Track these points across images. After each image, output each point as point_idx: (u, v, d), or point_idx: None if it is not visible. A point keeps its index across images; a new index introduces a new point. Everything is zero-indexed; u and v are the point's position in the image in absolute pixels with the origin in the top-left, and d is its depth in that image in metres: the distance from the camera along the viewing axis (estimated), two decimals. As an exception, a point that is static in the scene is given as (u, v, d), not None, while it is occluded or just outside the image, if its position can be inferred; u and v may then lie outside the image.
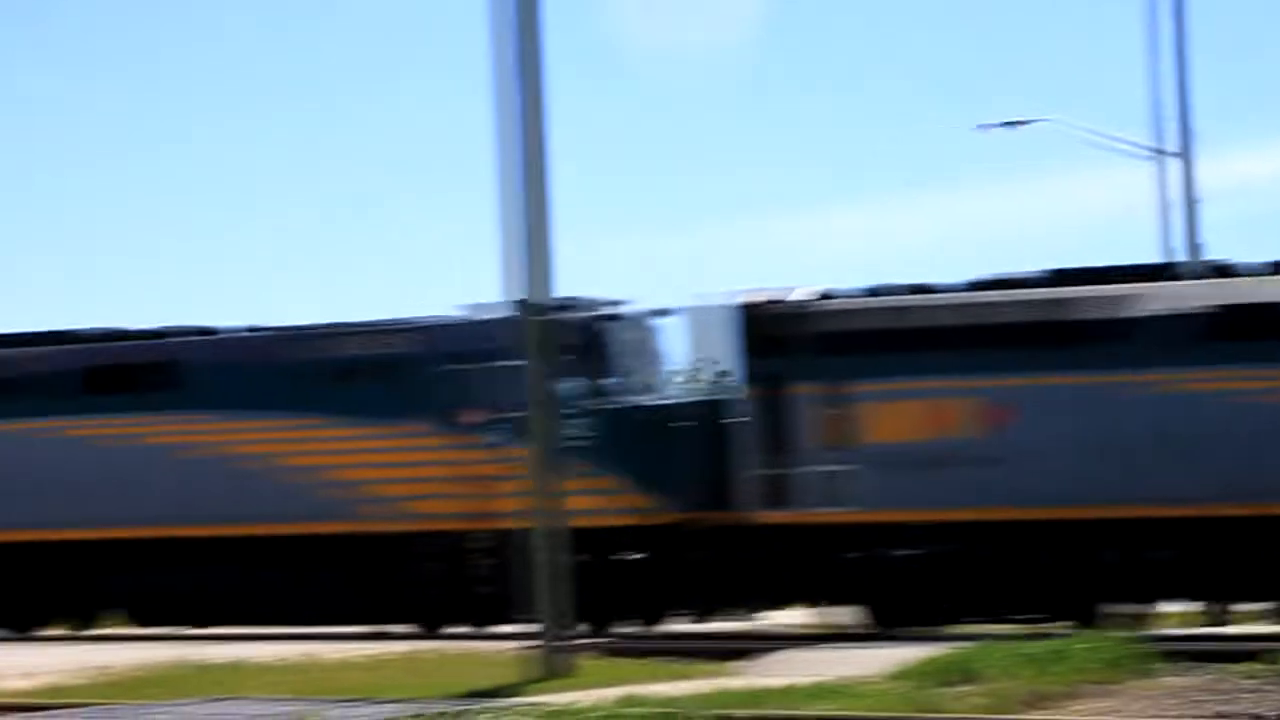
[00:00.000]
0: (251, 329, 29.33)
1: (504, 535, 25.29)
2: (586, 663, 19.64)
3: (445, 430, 26.92)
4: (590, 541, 25.03)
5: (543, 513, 19.61)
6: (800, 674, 17.84)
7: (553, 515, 19.57)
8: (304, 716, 13.21)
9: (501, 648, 21.92)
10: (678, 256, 70.19)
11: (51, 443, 29.00)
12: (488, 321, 26.90)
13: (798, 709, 14.29)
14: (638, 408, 26.57)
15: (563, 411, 24.92)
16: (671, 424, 26.28)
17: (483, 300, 27.42)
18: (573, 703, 14.65)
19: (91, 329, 30.05)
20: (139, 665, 20.22)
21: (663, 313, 27.44)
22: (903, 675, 17.27)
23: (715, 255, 70.78)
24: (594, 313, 26.80)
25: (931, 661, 18.12)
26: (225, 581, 27.96)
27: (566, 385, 25.57)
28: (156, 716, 14.63)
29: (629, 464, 25.83)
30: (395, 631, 26.59)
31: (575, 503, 23.71)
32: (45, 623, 29.40)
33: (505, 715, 13.53)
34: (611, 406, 26.38)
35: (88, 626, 29.33)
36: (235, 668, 20.10)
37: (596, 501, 25.09)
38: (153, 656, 21.30)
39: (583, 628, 24.05)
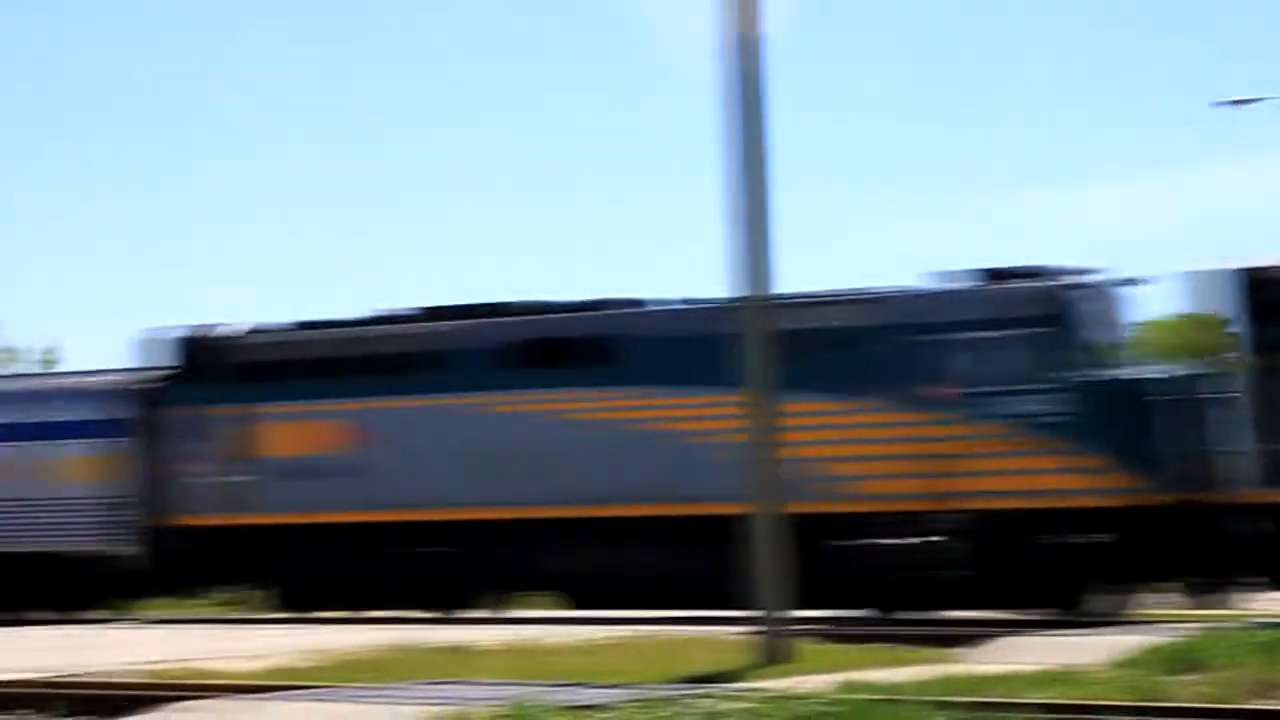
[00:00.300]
0: (686, 301, 28.74)
1: (967, 516, 25.08)
2: (807, 648, 19.56)
3: (904, 405, 26.18)
4: (1058, 522, 24.69)
5: (763, 498, 19.42)
6: (1023, 661, 17.64)
7: (773, 500, 19.35)
8: (524, 700, 13.28)
9: (721, 632, 21.93)
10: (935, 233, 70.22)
11: (479, 418, 28.96)
12: (950, 291, 26.39)
13: (1020, 696, 14.11)
14: (1118, 381, 25.63)
15: (1035, 386, 24.41)
16: (1148, 398, 25.36)
17: (944, 270, 26.90)
18: (791, 688, 14.59)
19: (522, 302, 29.89)
20: (362, 649, 20.50)
21: (1129, 281, 26.63)
22: (1128, 663, 17.01)
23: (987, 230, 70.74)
24: (1063, 281, 26.05)
25: (1156, 650, 17.82)
26: (653, 561, 27.60)
27: (1037, 357, 25.11)
28: (377, 698, 14.81)
29: (1112, 441, 24.97)
30: (611, 617, 26.72)
31: (1051, 482, 23.27)
32: (466, 604, 29.60)
33: (725, 700, 13.49)
34: (1090, 380, 25.41)
35: (506, 606, 29.49)
36: (456, 651, 20.29)
37: (1077, 481, 24.71)
38: (375, 640, 21.59)
39: (1054, 612, 23.76)
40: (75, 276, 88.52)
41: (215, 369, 31.64)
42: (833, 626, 23.46)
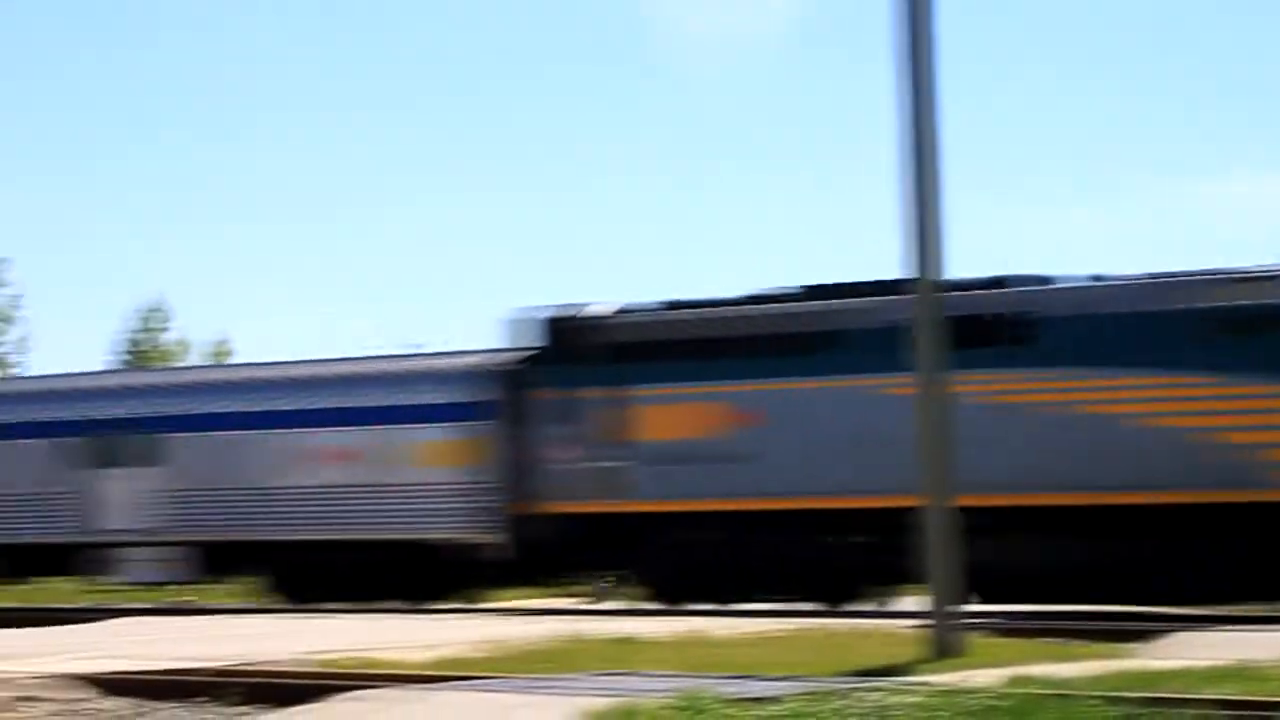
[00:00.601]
0: (1096, 278, 27.73)
1: None
2: (978, 642, 19.35)
3: None
4: None
5: (933, 489, 19.18)
6: (1198, 656, 17.33)
7: (943, 490, 19.10)
8: (692, 691, 13.26)
9: (892, 626, 21.79)
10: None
11: (878, 400, 27.71)
12: None
13: (1195, 692, 13.84)
14: None
15: None
16: None
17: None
18: (961, 682, 14.44)
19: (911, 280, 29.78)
20: (531, 640, 20.59)
21: None
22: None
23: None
24: None
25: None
26: (1072, 554, 26.58)
27: None
28: (544, 689, 14.85)
29: None
30: (781, 609, 26.59)
31: None
32: (859, 595, 28.94)
33: (894, 694, 13.39)
34: None
35: (891, 599, 28.80)
36: (624, 643, 20.31)
37: None
38: (543, 631, 21.68)
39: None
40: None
41: (583, 350, 30.88)
42: (1005, 620, 23.20)
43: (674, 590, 30.25)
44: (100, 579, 36.65)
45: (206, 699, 15.83)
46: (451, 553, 32.23)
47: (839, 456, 28.29)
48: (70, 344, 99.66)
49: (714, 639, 20.85)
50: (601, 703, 13.26)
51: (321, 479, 33.36)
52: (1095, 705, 12.73)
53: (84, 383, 38.55)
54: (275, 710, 14.83)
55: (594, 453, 30.53)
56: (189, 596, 37.13)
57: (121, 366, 43.23)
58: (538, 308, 31.73)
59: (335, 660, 18.64)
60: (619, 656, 18.52)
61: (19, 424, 36.91)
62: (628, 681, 15.14)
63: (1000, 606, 25.34)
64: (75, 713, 15.25)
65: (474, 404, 32.14)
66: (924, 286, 19.23)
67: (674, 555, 30.03)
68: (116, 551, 35.65)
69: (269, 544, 33.87)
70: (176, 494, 34.70)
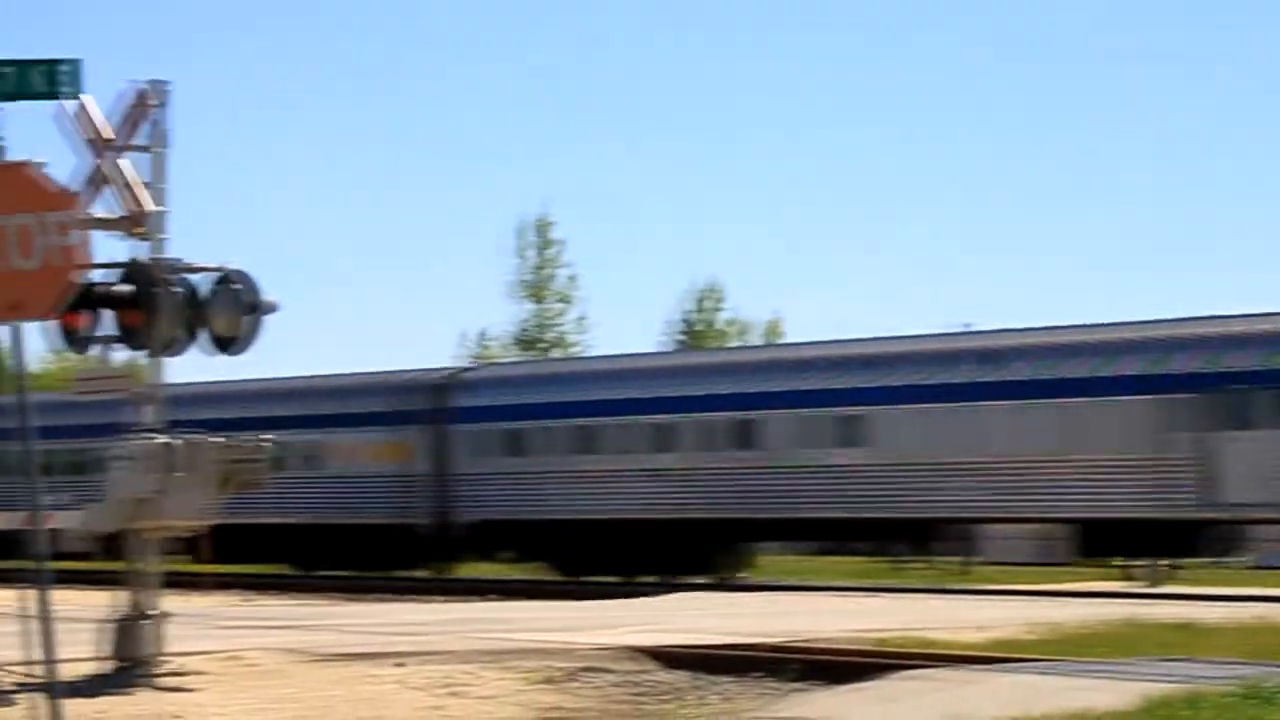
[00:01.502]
0: None
1: None
2: None
3: None
4: None
5: None
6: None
7: None
8: (1258, 680, 12.71)
9: None
10: None
11: None
12: None
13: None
14: None
15: None
16: None
17: None
18: None
19: None
20: (1088, 622, 20.17)
21: None
22: None
23: None
24: None
25: None
26: None
27: None
28: (1102, 673, 14.48)
29: None
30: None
31: None
32: None
33: None
34: None
35: None
36: (1184, 628, 19.72)
37: None
38: (1102, 614, 21.21)
39: None
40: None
41: None
42: None
43: None
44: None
45: (761, 674, 15.98)
46: None
47: None
48: (625, 324, 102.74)
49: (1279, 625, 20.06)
50: (1163, 689, 12.84)
51: None
52: None
53: None
54: (829, 687, 14.85)
55: None
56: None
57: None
58: None
59: (888, 639, 18.60)
60: (1178, 642, 17.97)
61: None
62: (1189, 668, 14.65)
63: None
64: (634, 684, 15.58)
65: None
66: None
67: None
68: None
69: None
70: None
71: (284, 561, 44.94)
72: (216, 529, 15.03)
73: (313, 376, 47.76)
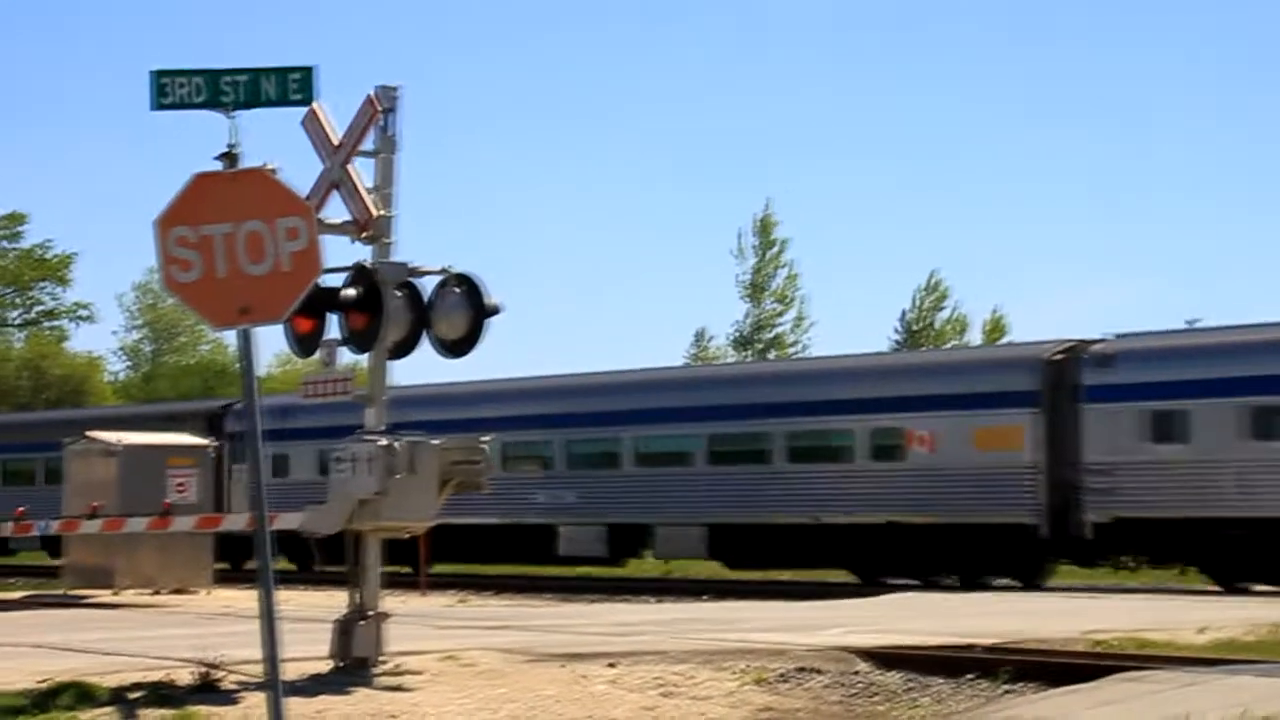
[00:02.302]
0: None
1: None
2: None
3: None
4: None
5: None
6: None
7: None
8: None
9: None
10: None
11: None
12: None
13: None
14: None
15: None
16: None
17: None
18: None
19: None
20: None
21: None
22: None
23: None
24: None
25: None
26: None
27: None
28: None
29: None
30: None
31: None
32: None
33: None
34: None
35: None
36: None
37: None
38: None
39: None
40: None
41: None
42: None
43: None
44: None
45: (975, 675, 15.87)
46: None
47: None
48: (847, 324, 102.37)
49: None
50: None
51: None
52: None
53: None
54: (1045, 689, 14.72)
55: None
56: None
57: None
58: None
59: (1105, 640, 18.38)
60: None
61: None
62: None
63: None
64: (846, 685, 15.55)
65: None
66: None
67: None
68: None
69: None
70: None
71: (841, 566, 39.94)
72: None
73: (886, 354, 43.76)
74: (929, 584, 36.76)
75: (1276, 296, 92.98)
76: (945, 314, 77.27)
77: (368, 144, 15.14)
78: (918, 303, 77.15)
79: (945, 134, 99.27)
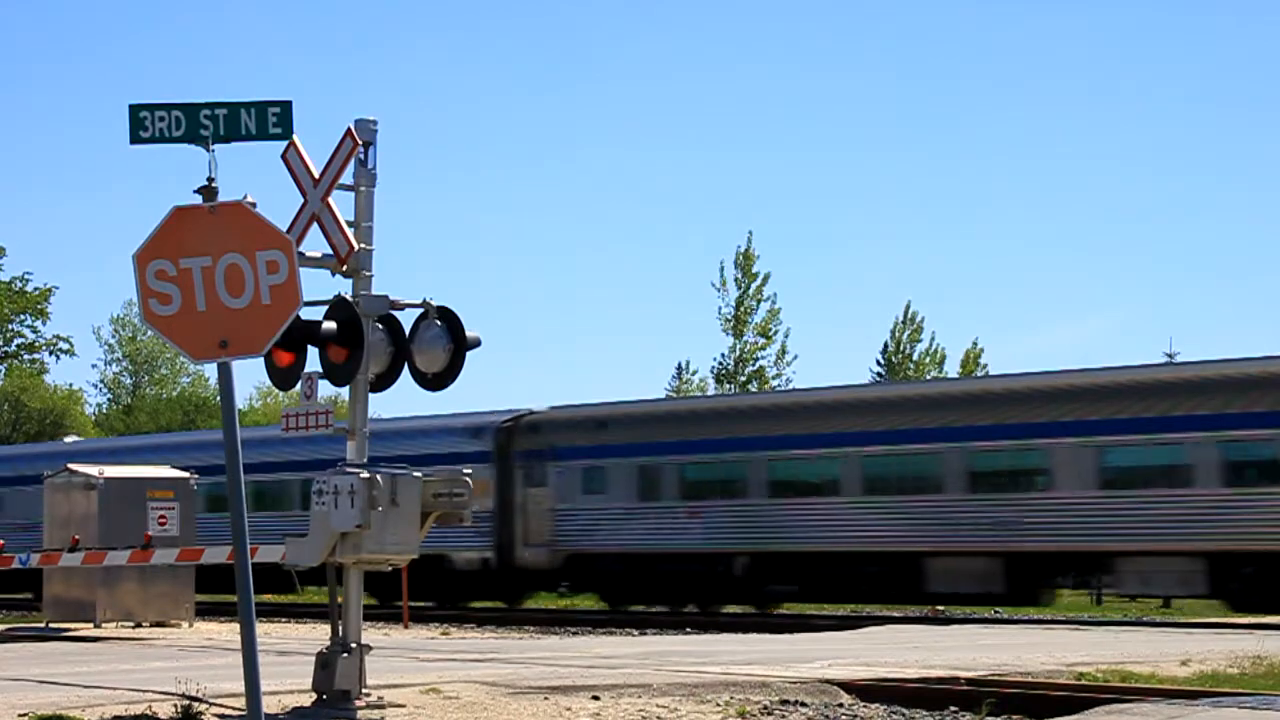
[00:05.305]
0: None
1: None
2: None
3: None
4: None
5: None
6: None
7: None
8: None
9: None
10: None
11: None
12: None
13: None
14: None
15: None
16: None
17: None
18: None
19: None
20: (1295, 655, 19.78)
21: None
22: None
23: None
24: None
25: None
26: None
27: None
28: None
29: None
30: None
31: None
32: None
33: None
34: None
35: None
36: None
37: None
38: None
39: None
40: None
41: None
42: None
43: None
44: None
45: (957, 709, 15.85)
46: None
47: None
48: (825, 356, 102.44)
49: None
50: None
51: None
52: None
53: None
54: (1027, 722, 14.72)
55: None
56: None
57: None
58: None
59: (1089, 673, 18.36)
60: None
61: None
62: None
63: None
64: (830, 718, 15.52)
65: None
66: None
67: None
68: None
69: None
70: None
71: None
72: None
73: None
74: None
75: (1250, 326, 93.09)
76: (923, 345, 77.36)
77: (346, 177, 15.13)
78: (896, 335, 77.26)
79: (925, 169, 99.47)
